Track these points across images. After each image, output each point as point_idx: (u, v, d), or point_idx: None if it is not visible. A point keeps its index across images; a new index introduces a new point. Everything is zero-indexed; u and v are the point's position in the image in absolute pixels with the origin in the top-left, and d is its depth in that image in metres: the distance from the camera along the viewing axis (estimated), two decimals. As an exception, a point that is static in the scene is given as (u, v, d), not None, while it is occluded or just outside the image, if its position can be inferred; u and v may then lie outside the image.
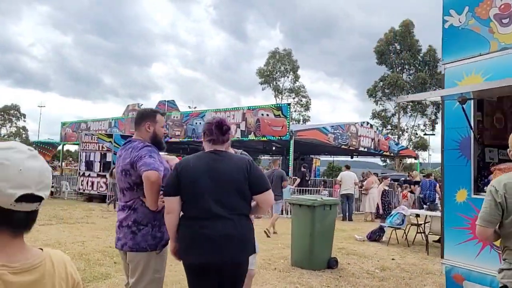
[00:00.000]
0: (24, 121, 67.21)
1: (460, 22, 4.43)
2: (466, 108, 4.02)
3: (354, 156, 22.53)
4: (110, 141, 16.59)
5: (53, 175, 18.15)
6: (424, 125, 40.99)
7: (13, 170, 1.02)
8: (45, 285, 1.06)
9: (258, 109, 15.02)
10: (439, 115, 40.25)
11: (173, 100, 18.93)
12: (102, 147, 16.67)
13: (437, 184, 10.34)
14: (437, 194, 10.14)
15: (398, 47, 40.05)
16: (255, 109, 15.08)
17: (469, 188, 4.21)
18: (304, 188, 14.68)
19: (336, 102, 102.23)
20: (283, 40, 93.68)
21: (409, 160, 38.23)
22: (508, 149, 2.53)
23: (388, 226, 8.60)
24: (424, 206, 9.16)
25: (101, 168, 16.55)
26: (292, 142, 14.01)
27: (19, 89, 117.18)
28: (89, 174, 16.72)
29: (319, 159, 29.32)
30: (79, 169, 17.52)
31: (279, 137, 14.27)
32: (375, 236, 8.80)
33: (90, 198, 16.56)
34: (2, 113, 64.60)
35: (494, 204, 2.37)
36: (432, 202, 9.36)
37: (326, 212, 6.05)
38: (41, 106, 59.15)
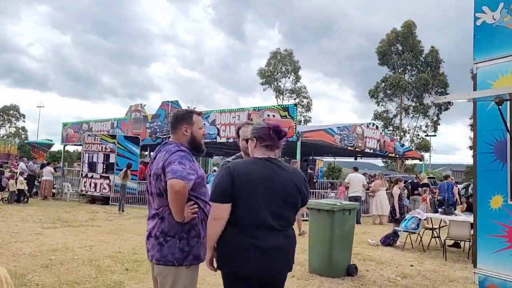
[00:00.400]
0: (24, 121, 67.04)
1: (494, 19, 4.21)
2: (501, 109, 3.81)
3: (357, 158, 22.33)
4: (114, 142, 16.36)
5: (55, 177, 18.01)
6: (426, 126, 40.89)
7: None
8: None
9: (264, 110, 14.80)
10: (442, 116, 40.22)
11: (177, 101, 18.64)
12: (105, 148, 16.44)
13: (455, 186, 10.13)
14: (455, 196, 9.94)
15: (400, 48, 39.90)
16: (261, 110, 14.86)
17: (506, 194, 3.99)
18: (312, 190, 14.45)
19: (334, 103, 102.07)
20: (282, 40, 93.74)
21: (409, 162, 38.14)
22: None
23: (403, 231, 8.38)
24: (439, 209, 8.94)
25: (104, 170, 16.33)
26: (299, 143, 13.79)
27: (18, 89, 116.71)
28: (92, 176, 16.48)
29: (322, 160, 29.15)
30: (82, 170, 17.28)
31: (286, 139, 14.01)
32: (389, 240, 8.58)
33: (93, 200, 16.33)
34: (2, 113, 64.32)
35: None
36: (452, 205, 9.13)
37: (345, 217, 5.83)
38: (40, 106, 58.84)
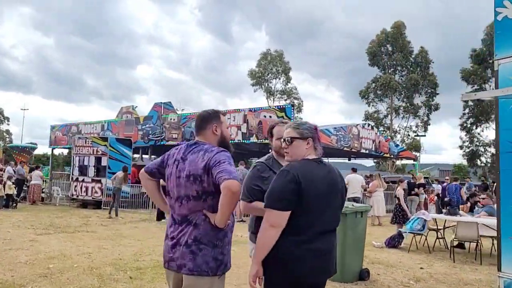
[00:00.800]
0: (8, 124, 65.59)
1: (517, 14, 4.07)
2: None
3: (352, 158, 22.26)
4: (105, 145, 15.97)
5: (43, 180, 17.52)
6: (416, 127, 41.12)
7: None
8: None
9: (260, 111, 14.60)
10: (432, 116, 40.46)
11: (170, 102, 18.35)
12: (97, 151, 16.02)
13: (462, 188, 10.05)
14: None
15: (390, 49, 40.09)
16: (257, 111, 14.65)
17: (532, 194, 3.85)
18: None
19: (321, 104, 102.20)
20: (269, 42, 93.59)
21: (399, 162, 38.31)
22: None
23: (408, 232, 8.25)
24: (443, 210, 8.83)
25: (96, 173, 15.92)
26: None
27: (1, 92, 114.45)
28: (83, 179, 16.05)
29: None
30: (72, 174, 16.83)
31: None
32: (394, 242, 8.44)
33: (84, 204, 15.90)
34: (-15, 116, 62.86)
35: None
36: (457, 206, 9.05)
37: (357, 220, 5.66)
38: (24, 109, 57.51)
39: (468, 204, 9.87)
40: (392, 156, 20.99)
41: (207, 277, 2.28)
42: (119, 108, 21.34)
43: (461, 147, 39.21)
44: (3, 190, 13.72)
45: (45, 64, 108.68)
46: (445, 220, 8.57)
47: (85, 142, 16.48)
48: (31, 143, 30.34)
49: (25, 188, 16.94)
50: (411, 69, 39.84)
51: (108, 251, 7.07)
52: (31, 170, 17.82)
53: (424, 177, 20.18)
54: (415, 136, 41.09)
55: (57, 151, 33.42)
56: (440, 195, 13.65)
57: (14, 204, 14.18)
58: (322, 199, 2.18)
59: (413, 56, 39.80)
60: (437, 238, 8.45)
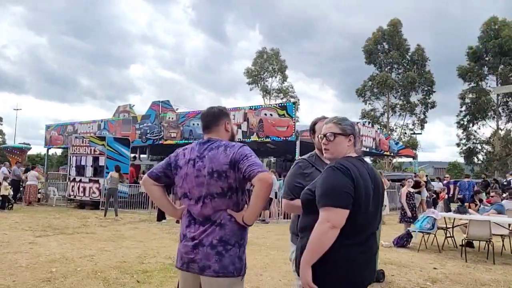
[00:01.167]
0: (1, 124, 64.87)
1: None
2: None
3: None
4: (103, 144, 15.68)
5: (40, 181, 17.18)
6: (413, 124, 41.13)
7: None
8: None
9: (261, 109, 14.39)
10: (428, 114, 40.48)
11: (168, 101, 18.06)
12: (94, 150, 15.73)
13: (475, 185, 9.89)
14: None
15: (386, 47, 40.02)
16: (257, 109, 14.44)
17: None
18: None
19: (315, 103, 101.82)
20: (263, 41, 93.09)
21: (395, 160, 38.29)
22: None
23: (418, 231, 8.08)
24: (452, 208, 8.68)
25: (94, 173, 15.64)
26: (298, 143, 13.42)
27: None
28: (80, 179, 15.76)
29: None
30: (69, 174, 16.53)
31: (284, 138, 13.65)
32: (403, 241, 8.28)
33: (81, 205, 15.62)
34: (-22, 117, 62.09)
35: None
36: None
37: (372, 220, 5.46)
38: (17, 109, 56.87)
39: (478, 203, 9.73)
40: (392, 154, 20.87)
41: (233, 277, 2.20)
42: (115, 108, 21.10)
43: (458, 145, 39.27)
44: (-2, 191, 13.40)
45: (38, 64, 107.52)
46: (454, 219, 8.42)
47: (82, 141, 16.18)
48: (24, 143, 29.90)
49: (21, 189, 16.62)
50: (408, 67, 39.80)
51: (110, 253, 6.83)
52: (26, 170, 17.47)
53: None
54: (411, 134, 41.14)
55: (50, 151, 32.97)
56: (446, 192, 13.55)
57: (10, 206, 13.86)
58: (371, 199, 2.02)
59: (409, 54, 39.75)
60: (446, 237, 8.29)
